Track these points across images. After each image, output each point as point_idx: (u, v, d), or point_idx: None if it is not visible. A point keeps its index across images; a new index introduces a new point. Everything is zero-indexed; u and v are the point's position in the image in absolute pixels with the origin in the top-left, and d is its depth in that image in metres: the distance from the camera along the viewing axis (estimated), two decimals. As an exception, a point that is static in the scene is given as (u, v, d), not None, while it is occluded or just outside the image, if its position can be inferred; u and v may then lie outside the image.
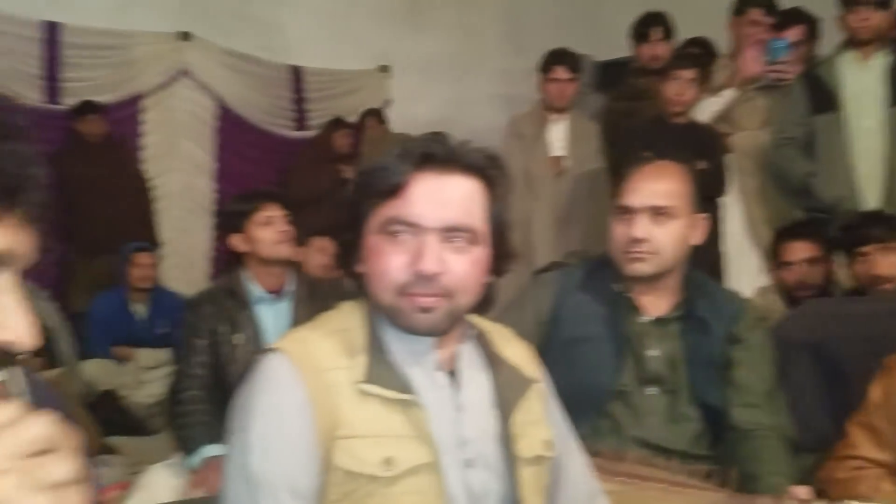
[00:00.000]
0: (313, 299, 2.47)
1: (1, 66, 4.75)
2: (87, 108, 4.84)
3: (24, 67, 4.93)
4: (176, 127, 5.45)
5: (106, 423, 3.41)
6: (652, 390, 1.77)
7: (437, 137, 1.14)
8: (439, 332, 1.14)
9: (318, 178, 5.08)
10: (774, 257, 2.91)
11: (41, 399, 0.68)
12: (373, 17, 5.85)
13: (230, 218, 2.57)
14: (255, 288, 2.47)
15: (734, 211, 3.57)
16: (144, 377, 4.09)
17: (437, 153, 1.12)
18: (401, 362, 1.14)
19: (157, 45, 5.34)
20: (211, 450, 2.22)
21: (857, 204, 3.12)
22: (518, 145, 4.01)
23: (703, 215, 1.86)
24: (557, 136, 4.02)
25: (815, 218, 3.18)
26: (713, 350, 1.79)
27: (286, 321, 2.44)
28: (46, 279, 4.21)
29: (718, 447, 1.77)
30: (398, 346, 1.15)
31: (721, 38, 3.97)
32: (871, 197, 3.15)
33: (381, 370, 1.12)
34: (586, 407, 1.65)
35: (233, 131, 5.59)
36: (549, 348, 1.70)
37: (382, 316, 1.15)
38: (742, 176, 3.55)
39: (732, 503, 1.55)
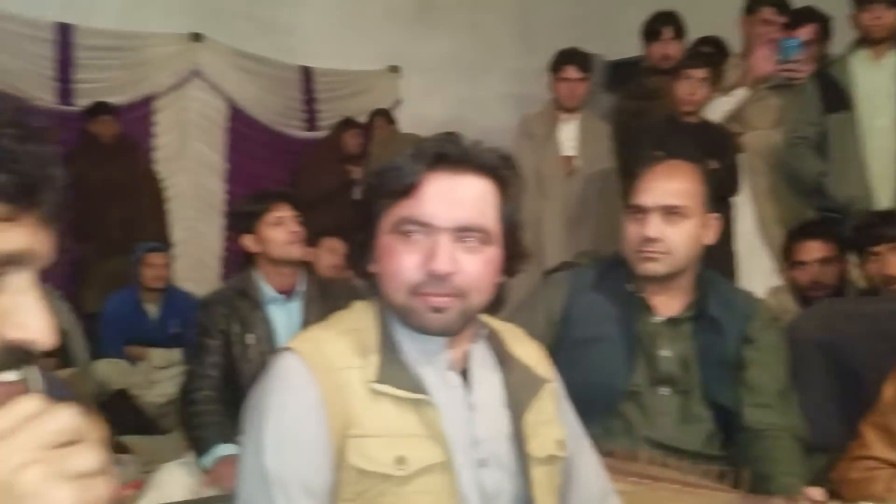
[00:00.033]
0: (324, 299, 2.48)
1: (14, 68, 4.77)
2: (99, 109, 4.85)
3: (37, 69, 4.96)
4: (187, 128, 5.47)
5: (118, 423, 3.42)
6: (664, 390, 1.77)
7: (451, 137, 1.14)
8: (452, 332, 1.14)
9: (328, 179, 5.09)
10: (787, 257, 2.89)
11: (58, 398, 0.68)
12: (383, 18, 5.85)
13: (241, 218, 2.58)
14: (266, 288, 2.48)
15: (746, 210, 3.56)
16: (156, 377, 4.10)
17: (450, 153, 1.12)
18: (413, 362, 1.14)
19: (168, 46, 5.36)
20: (224, 449, 2.23)
21: (869, 203, 3.10)
22: (529, 145, 4.00)
23: (716, 215, 1.85)
24: (568, 135, 4.01)
25: (827, 217, 3.16)
26: (726, 350, 1.79)
27: (297, 321, 2.45)
28: (59, 279, 4.23)
29: (731, 447, 1.77)
30: (410, 345, 1.15)
31: (733, 37, 3.95)
32: (883, 196, 3.13)
33: (394, 370, 1.12)
34: (598, 407, 1.65)
35: (244, 132, 5.61)
36: (561, 348, 1.70)
37: (394, 315, 1.15)
38: (754, 175, 3.54)
39: (745, 504, 1.55)
